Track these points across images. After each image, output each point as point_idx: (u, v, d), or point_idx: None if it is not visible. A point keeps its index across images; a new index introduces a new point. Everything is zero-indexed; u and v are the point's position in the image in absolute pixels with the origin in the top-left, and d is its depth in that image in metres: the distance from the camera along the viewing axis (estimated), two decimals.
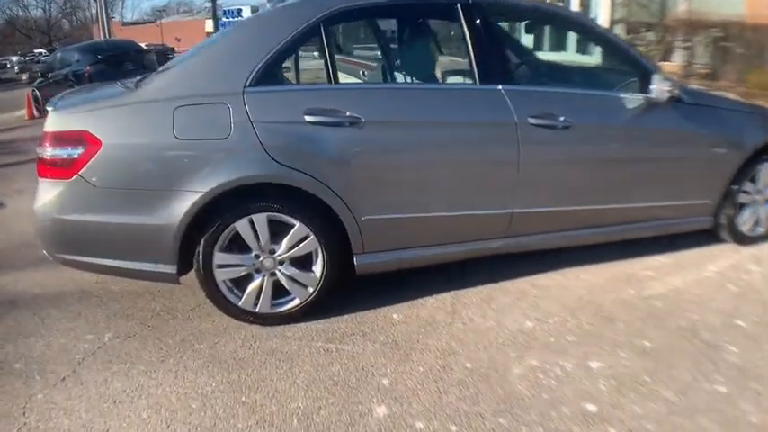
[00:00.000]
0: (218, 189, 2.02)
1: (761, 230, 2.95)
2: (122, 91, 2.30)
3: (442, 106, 2.27)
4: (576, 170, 2.46)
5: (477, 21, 2.30)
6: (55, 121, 2.11)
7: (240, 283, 2.22)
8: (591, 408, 1.79)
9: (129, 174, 2.06)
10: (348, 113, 2.11)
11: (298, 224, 2.12)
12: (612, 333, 2.22)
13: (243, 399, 1.86)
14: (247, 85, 2.10)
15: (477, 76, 2.30)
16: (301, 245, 2.16)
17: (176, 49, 11.87)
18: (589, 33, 2.75)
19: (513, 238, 2.45)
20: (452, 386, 1.92)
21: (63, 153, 2.06)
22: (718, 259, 2.85)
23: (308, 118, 2.09)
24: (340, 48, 2.32)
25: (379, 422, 1.74)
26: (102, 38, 15.22)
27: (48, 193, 2.10)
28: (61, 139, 2.07)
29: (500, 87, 2.29)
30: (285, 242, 2.15)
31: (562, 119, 2.32)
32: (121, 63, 9.74)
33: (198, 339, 2.23)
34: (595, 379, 1.93)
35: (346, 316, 2.36)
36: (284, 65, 2.28)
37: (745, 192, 2.81)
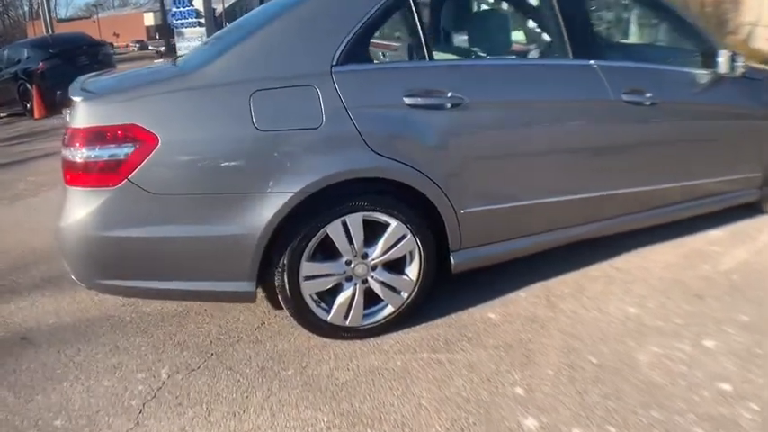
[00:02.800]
0: (310, 188, 1.69)
1: None
2: (171, 73, 1.91)
3: (544, 84, 2.08)
4: (658, 149, 2.37)
5: None
6: (91, 113, 1.68)
7: (325, 295, 1.91)
8: (726, 387, 1.73)
9: (196, 176, 1.69)
10: (450, 94, 1.85)
11: (395, 223, 1.85)
12: (709, 310, 2.17)
13: None
14: (335, 63, 1.77)
15: (570, 51, 2.11)
16: (398, 246, 1.89)
17: (114, 44, 10.87)
18: (659, 8, 2.63)
19: (600, 222, 2.33)
20: (589, 385, 1.76)
21: (105, 154, 1.64)
22: (766, 230, 2.89)
23: (407, 100, 1.80)
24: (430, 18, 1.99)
25: None
26: (46, 33, 13.64)
27: (83, 206, 1.68)
28: (102, 136, 1.64)
29: (592, 62, 2.12)
30: (380, 244, 1.87)
31: (649, 95, 2.20)
32: (75, 58, 8.78)
33: (280, 364, 1.91)
34: (716, 358, 1.88)
35: (438, 320, 2.13)
36: (373, 38, 1.92)
37: None
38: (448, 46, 1.96)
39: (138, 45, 20.37)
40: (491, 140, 1.97)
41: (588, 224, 2.30)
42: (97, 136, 1.65)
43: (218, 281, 1.78)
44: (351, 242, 1.83)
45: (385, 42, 2.28)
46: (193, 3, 10.55)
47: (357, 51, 1.83)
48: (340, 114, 1.72)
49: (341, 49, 1.79)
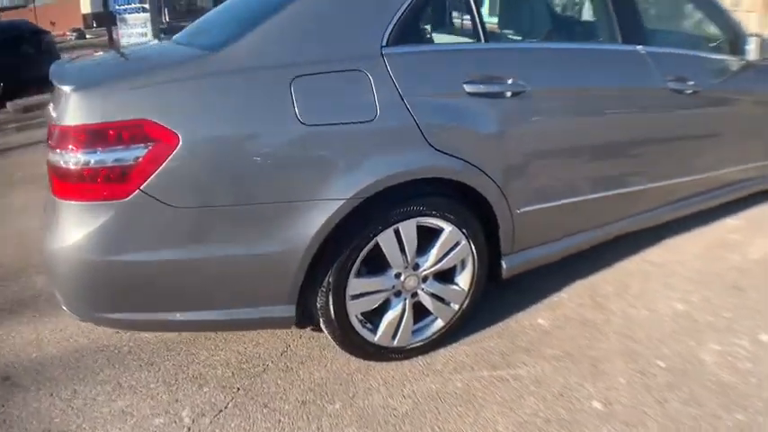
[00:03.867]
0: (363, 193, 1.43)
1: None
2: (185, 54, 1.56)
3: (599, 70, 1.92)
4: (698, 138, 2.30)
5: None
6: (89, 107, 1.32)
7: (369, 314, 1.69)
8: None
9: (226, 183, 1.38)
10: (510, 81, 1.64)
11: (450, 228, 1.64)
12: (753, 302, 2.12)
13: None
14: (385, 43, 1.52)
15: (618, 35, 1.97)
16: (452, 253, 1.69)
17: (51, 32, 9.90)
18: None
19: (643, 214, 2.22)
20: (665, 392, 1.65)
21: (109, 158, 1.31)
22: None
23: (468, 88, 1.58)
24: None
25: None
26: None
27: (82, 225, 1.35)
28: (105, 135, 1.31)
29: (640, 48, 1.99)
30: (434, 252, 1.66)
31: (691, 83, 2.10)
32: (18, 47, 7.84)
33: (324, 397, 1.66)
34: None
35: (485, 331, 1.95)
36: (424, 16, 1.68)
37: None
38: (499, 28, 1.74)
39: (75, 34, 18.94)
40: (551, 132, 1.79)
41: (632, 217, 2.20)
42: (98, 136, 1.31)
43: (252, 307, 1.50)
44: (403, 252, 1.60)
45: (439, 21, 1.98)
46: None
47: (408, 30, 1.58)
48: (396, 104, 1.48)
49: (391, 27, 1.53)
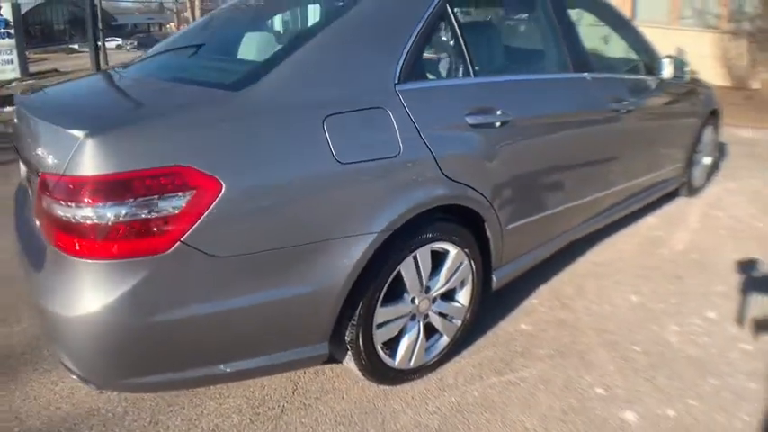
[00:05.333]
0: (393, 225, 1.50)
1: (703, 182, 3.67)
2: (209, 93, 1.47)
3: (560, 97, 2.18)
4: (634, 149, 2.68)
5: (563, 7, 2.27)
6: (114, 153, 1.20)
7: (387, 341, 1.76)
8: (747, 347, 2.05)
9: (270, 227, 1.35)
10: (499, 112, 1.83)
11: (456, 250, 1.77)
12: (693, 287, 2.50)
13: None
14: (397, 80, 1.60)
15: (570, 66, 2.26)
16: (457, 273, 1.82)
17: None
18: (617, 20, 2.87)
19: (594, 218, 2.55)
20: (650, 371, 1.91)
21: (144, 210, 1.21)
22: (688, 211, 3.46)
23: (469, 120, 1.73)
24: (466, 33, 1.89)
25: None
26: None
27: (111, 285, 1.22)
28: (139, 184, 1.20)
29: (586, 75, 2.31)
30: (443, 274, 1.78)
31: (625, 103, 2.47)
32: None
33: (355, 427, 1.66)
34: (722, 325, 2.20)
35: (479, 342, 2.08)
36: (424, 54, 1.76)
37: (697, 152, 3.44)
38: (479, 62, 1.92)
39: None
40: (529, 154, 2.00)
41: (587, 222, 2.51)
42: (129, 186, 1.20)
43: (288, 349, 1.49)
44: (419, 277, 1.70)
45: (431, 57, 2.08)
46: (2, 12, 8.97)
47: (414, 68, 1.66)
48: (415, 139, 1.56)
49: (400, 64, 1.61)
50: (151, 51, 2.29)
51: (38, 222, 1.44)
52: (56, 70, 15.94)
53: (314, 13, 1.91)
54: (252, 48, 1.97)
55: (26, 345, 2.06)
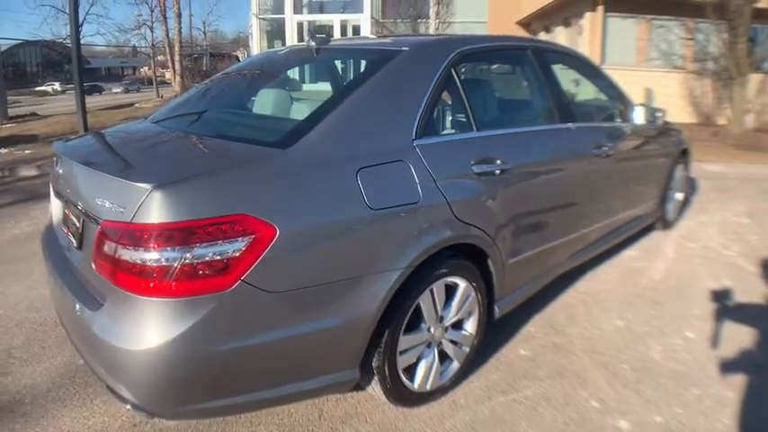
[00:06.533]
0: (415, 262, 1.74)
1: (676, 215, 4.03)
2: (254, 149, 1.69)
3: (548, 145, 2.48)
4: (614, 188, 3.00)
5: (547, 64, 2.60)
6: (182, 203, 1.38)
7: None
8: (723, 361, 2.31)
9: (315, 266, 1.55)
10: (498, 161, 2.10)
11: (465, 283, 2.02)
12: (672, 311, 2.78)
13: None
14: (414, 137, 1.84)
15: (557, 117, 2.57)
16: (466, 304, 2.06)
17: None
18: (594, 71, 3.25)
19: (581, 252, 2.83)
20: (639, 385, 2.15)
21: (209, 253, 1.38)
22: (664, 243, 3.78)
23: (475, 169, 2.00)
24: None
25: None
26: None
27: (178, 320, 1.38)
28: (205, 231, 1.38)
29: (570, 125, 2.63)
30: (455, 305, 2.02)
31: (605, 148, 2.80)
32: None
33: None
34: (701, 343, 2.48)
35: (484, 366, 2.29)
36: (434, 112, 2.01)
37: (670, 189, 3.79)
38: (480, 118, 2.21)
39: None
40: (525, 197, 2.27)
41: (575, 255, 2.78)
42: (196, 232, 1.37)
43: (323, 375, 1.68)
44: (435, 308, 1.93)
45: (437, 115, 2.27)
46: None
47: (428, 124, 1.90)
48: (431, 187, 1.79)
49: (416, 122, 1.85)
50: (174, 106, 2.50)
51: (94, 265, 1.55)
52: (35, 114, 16.03)
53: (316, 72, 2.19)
54: (282, 106, 2.24)
55: (51, 383, 2.16)
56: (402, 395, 1.93)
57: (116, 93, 36.30)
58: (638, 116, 3.14)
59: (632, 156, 3.24)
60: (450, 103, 2.14)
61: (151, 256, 1.37)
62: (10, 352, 2.39)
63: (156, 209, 1.37)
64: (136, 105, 16.22)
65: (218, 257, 1.39)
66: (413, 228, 1.75)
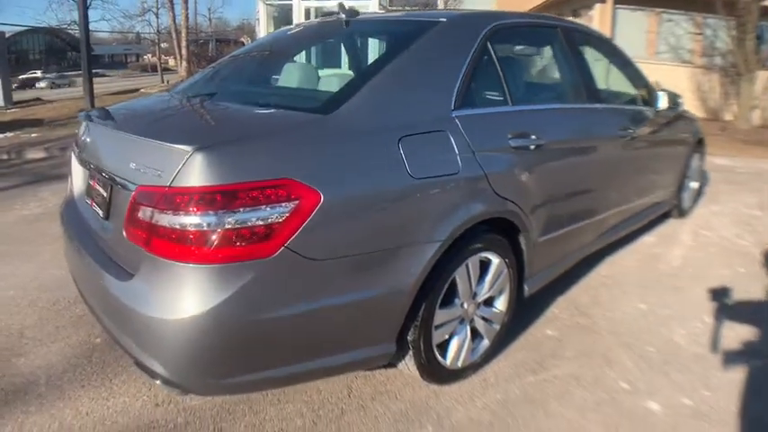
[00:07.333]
0: (454, 234, 1.71)
1: (691, 204, 4.05)
2: (298, 115, 1.64)
3: (584, 125, 2.48)
4: (637, 171, 2.98)
5: (576, 43, 2.60)
6: (226, 166, 1.33)
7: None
8: (743, 347, 2.31)
9: (357, 235, 1.51)
10: (533, 137, 2.08)
11: (498, 259, 2.01)
12: (690, 297, 2.79)
13: None
14: (453, 107, 1.81)
15: (585, 96, 2.56)
16: (498, 280, 2.05)
17: None
18: (619, 55, 3.20)
19: (604, 235, 2.82)
20: (664, 366, 2.16)
21: (252, 218, 1.33)
22: (681, 231, 3.79)
23: (512, 143, 1.98)
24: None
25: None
26: None
27: (218, 288, 1.33)
28: (248, 195, 1.33)
29: (598, 105, 2.62)
30: (488, 281, 2.00)
31: (630, 131, 2.78)
32: None
33: (414, 424, 1.81)
34: (719, 328, 2.45)
35: (512, 345, 2.30)
36: (471, 84, 1.95)
37: (686, 177, 3.78)
38: (514, 92, 2.19)
39: None
40: (557, 174, 2.26)
41: (599, 238, 2.77)
42: (239, 196, 1.32)
43: (361, 348, 1.66)
44: (469, 284, 1.92)
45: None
46: None
47: (465, 96, 1.86)
48: (469, 159, 1.77)
49: (455, 93, 1.82)
50: (197, 80, 2.45)
51: (125, 233, 1.49)
52: (39, 99, 15.97)
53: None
54: (314, 78, 2.22)
55: (66, 363, 2.10)
56: (435, 371, 1.92)
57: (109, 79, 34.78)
58: (662, 101, 3.12)
59: (654, 141, 3.23)
60: (485, 75, 2.10)
61: (191, 221, 1.32)
62: (23, 332, 2.34)
63: (197, 172, 1.32)
64: (141, 90, 16.14)
65: (261, 223, 1.34)
66: (452, 199, 1.73)
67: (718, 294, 2.78)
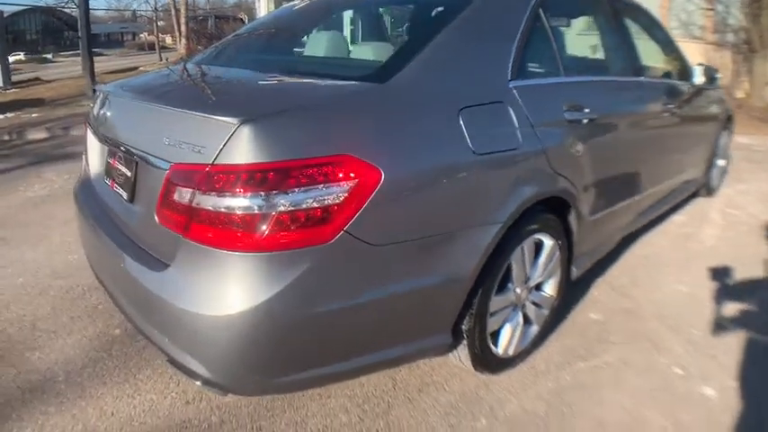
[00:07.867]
0: (514, 215, 1.59)
1: (719, 182, 4.00)
2: (351, 84, 1.47)
3: (631, 99, 2.38)
4: (676, 148, 2.89)
5: (620, 14, 2.49)
6: (277, 141, 1.18)
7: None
8: None
9: (418, 216, 1.36)
10: (587, 110, 1.95)
11: (552, 242, 1.91)
12: (732, 278, 2.70)
13: None
14: (509, 78, 1.67)
15: (630, 69, 2.45)
16: (551, 264, 1.96)
17: None
18: (658, 27, 3.09)
19: (644, 214, 2.74)
20: (712, 350, 2.09)
21: (307, 199, 1.19)
22: (709, 210, 3.72)
23: (567, 116, 1.85)
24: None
25: None
26: None
27: (270, 279, 1.18)
28: (302, 173, 1.18)
29: (642, 79, 2.52)
30: (541, 264, 1.91)
31: (671, 105, 2.67)
32: None
33: (465, 416, 1.73)
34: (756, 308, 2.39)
35: (558, 330, 2.22)
36: (525, 53, 1.80)
37: (715, 155, 3.69)
38: (565, 63, 2.03)
39: None
40: (608, 150, 2.15)
41: (641, 216, 2.69)
42: (293, 175, 1.17)
43: (419, 339, 1.55)
44: (524, 268, 1.82)
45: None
46: None
47: (521, 66, 1.73)
48: (529, 133, 1.64)
49: (510, 62, 1.69)
50: (219, 51, 2.29)
51: (157, 218, 1.35)
52: (38, 78, 15.62)
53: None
54: (346, 47, 2.10)
55: (85, 357, 1.96)
56: (488, 361, 1.84)
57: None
58: (698, 76, 3.00)
59: (691, 117, 3.12)
60: (539, 43, 1.96)
61: (238, 203, 1.17)
62: (35, 324, 2.19)
63: (245, 147, 1.16)
64: (140, 69, 15.78)
65: (317, 205, 1.19)
66: (513, 177, 1.61)
67: (755, 274, 2.71)
